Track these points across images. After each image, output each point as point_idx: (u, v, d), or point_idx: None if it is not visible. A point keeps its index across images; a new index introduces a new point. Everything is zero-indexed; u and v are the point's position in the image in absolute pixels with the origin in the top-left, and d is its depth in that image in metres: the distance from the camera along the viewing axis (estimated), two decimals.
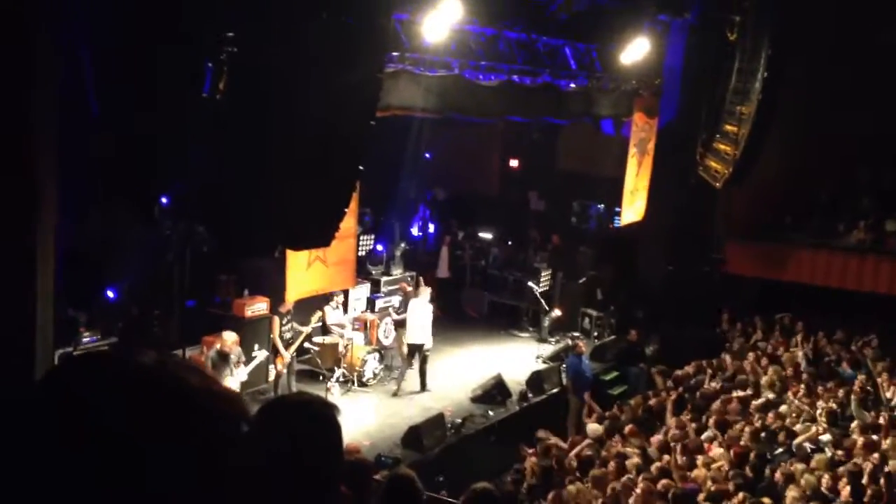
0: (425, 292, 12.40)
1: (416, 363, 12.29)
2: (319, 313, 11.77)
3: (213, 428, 0.95)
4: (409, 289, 13.37)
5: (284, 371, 11.01)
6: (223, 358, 9.73)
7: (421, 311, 12.11)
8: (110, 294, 11.25)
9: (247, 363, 10.15)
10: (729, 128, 15.07)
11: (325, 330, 12.26)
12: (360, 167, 8.42)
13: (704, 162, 15.76)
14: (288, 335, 11.04)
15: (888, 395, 11.78)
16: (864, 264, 15.72)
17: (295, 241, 8.66)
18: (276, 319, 11.00)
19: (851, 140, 16.31)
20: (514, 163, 20.80)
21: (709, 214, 16.53)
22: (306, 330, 11.29)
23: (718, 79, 15.34)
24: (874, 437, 9.89)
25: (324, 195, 8.04)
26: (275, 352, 11.01)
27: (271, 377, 11.20)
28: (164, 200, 9.64)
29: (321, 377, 11.73)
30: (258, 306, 11.48)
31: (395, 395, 11.99)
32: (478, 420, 11.55)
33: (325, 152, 7.89)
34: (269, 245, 9.01)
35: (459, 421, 11.21)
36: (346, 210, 8.22)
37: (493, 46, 12.40)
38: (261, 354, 10.72)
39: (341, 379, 11.86)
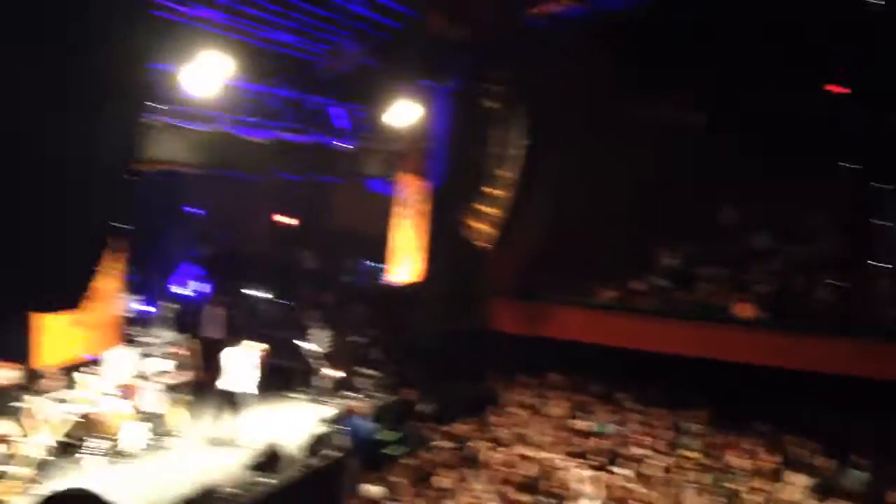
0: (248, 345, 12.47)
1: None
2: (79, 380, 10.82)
3: None
4: (183, 352, 12.81)
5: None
6: None
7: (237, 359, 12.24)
8: None
9: None
10: (491, 191, 15.78)
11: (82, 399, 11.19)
12: (115, 224, 7.86)
13: (471, 223, 16.34)
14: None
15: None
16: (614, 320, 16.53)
17: (42, 304, 7.90)
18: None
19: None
20: (285, 220, 20.53)
21: (477, 274, 17.03)
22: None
23: (480, 144, 16.04)
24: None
25: (72, 255, 7.41)
26: None
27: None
28: None
29: (74, 447, 10.68)
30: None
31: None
32: (253, 489, 10.97)
33: (76, 208, 7.30)
34: (15, 308, 8.13)
35: (235, 491, 10.58)
36: (95, 270, 7.59)
37: (262, 103, 12.26)
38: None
39: (98, 449, 10.85)
